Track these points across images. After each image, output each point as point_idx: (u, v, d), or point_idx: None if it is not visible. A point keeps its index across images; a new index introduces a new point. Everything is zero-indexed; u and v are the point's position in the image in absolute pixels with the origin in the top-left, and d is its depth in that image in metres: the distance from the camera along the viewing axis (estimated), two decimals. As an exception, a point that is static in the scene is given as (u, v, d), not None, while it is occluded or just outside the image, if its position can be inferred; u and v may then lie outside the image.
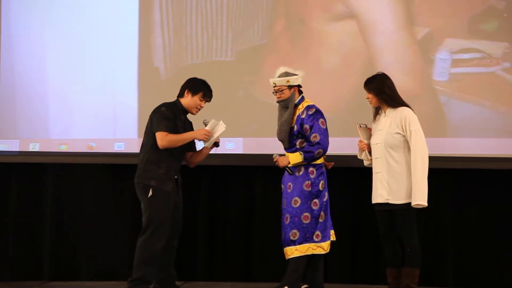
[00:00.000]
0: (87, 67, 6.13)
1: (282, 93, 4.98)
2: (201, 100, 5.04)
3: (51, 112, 6.16)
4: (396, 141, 4.70)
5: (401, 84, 5.66)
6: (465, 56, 5.69)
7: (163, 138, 4.89)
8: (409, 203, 4.65)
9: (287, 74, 4.98)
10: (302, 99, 5.02)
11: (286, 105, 4.98)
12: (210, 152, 5.18)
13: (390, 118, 4.74)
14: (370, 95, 4.82)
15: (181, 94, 5.06)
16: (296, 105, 4.99)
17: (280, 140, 5.04)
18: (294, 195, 4.92)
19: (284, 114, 4.99)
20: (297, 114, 4.97)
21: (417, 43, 5.75)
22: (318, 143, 4.85)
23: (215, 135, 4.99)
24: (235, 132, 5.78)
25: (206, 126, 5.02)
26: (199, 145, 5.19)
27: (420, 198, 4.62)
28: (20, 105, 6.18)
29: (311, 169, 4.93)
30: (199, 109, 5.07)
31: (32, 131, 6.17)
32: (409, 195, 4.66)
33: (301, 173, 4.93)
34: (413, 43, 5.76)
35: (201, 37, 6.02)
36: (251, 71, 5.95)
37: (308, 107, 4.95)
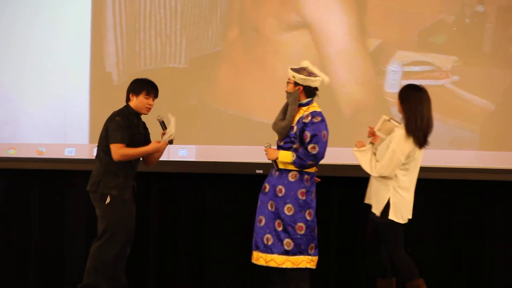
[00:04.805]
0: (37, 69, 6.00)
1: (287, 86, 4.77)
2: (147, 99, 4.92)
3: (-1, 115, 6.04)
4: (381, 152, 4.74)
5: (353, 95, 5.81)
6: (416, 68, 5.79)
7: (116, 152, 4.81)
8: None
9: (296, 70, 4.73)
10: (310, 102, 4.75)
11: (289, 99, 4.74)
12: (161, 159, 5.16)
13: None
14: None
15: (127, 99, 4.99)
16: (302, 105, 4.74)
17: (278, 133, 4.79)
18: (287, 201, 4.65)
19: (286, 108, 4.76)
20: (300, 115, 4.71)
21: (369, 54, 5.83)
22: (314, 155, 4.58)
23: (172, 131, 4.87)
24: (188, 139, 5.76)
25: (160, 122, 4.91)
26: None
27: None
28: (-35, 106, 6.04)
29: (306, 176, 4.68)
30: (149, 108, 4.95)
31: (-22, 135, 6.02)
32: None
33: (296, 179, 4.67)
34: (365, 54, 5.83)
35: (155, 43, 5.98)
36: (205, 78, 5.92)
37: (314, 114, 4.69)
